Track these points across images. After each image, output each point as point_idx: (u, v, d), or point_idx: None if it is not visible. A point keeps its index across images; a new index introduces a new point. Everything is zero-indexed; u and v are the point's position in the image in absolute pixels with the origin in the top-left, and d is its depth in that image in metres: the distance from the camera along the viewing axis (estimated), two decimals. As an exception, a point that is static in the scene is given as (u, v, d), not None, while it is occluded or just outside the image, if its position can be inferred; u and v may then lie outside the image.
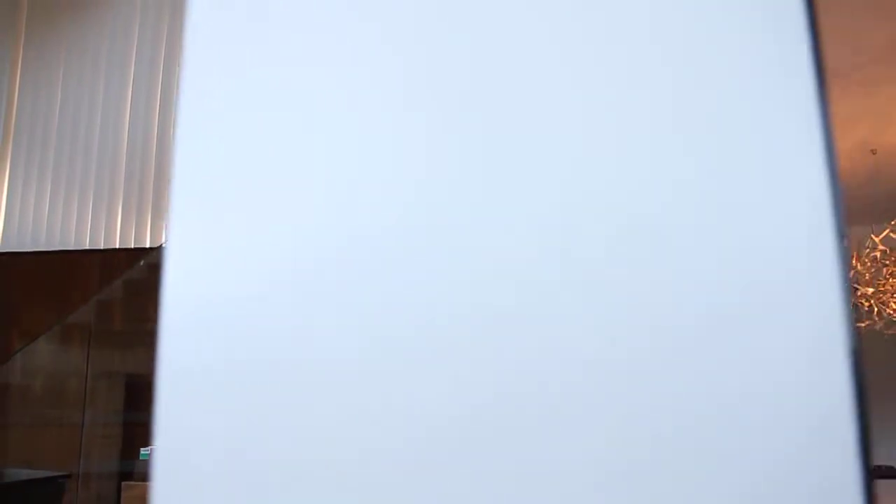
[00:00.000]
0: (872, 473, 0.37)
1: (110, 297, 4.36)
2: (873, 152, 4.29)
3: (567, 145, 0.41)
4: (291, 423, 0.39)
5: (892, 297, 4.01)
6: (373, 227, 0.42)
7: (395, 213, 0.42)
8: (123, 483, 2.43)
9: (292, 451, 0.39)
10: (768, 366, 0.38)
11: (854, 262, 4.10)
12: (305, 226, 0.42)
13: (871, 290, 4.03)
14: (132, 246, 5.03)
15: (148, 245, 5.03)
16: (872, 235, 3.86)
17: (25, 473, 3.28)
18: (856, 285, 4.08)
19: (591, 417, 0.39)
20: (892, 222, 3.93)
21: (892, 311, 3.97)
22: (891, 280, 3.95)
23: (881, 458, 5.46)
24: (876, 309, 4.11)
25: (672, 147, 0.40)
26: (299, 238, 0.42)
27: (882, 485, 4.17)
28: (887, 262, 3.86)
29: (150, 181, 5.17)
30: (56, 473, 3.28)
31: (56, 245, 5.04)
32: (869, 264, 4.06)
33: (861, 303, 4.14)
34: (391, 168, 0.43)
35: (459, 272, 0.41)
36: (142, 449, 4.38)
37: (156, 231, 5.14)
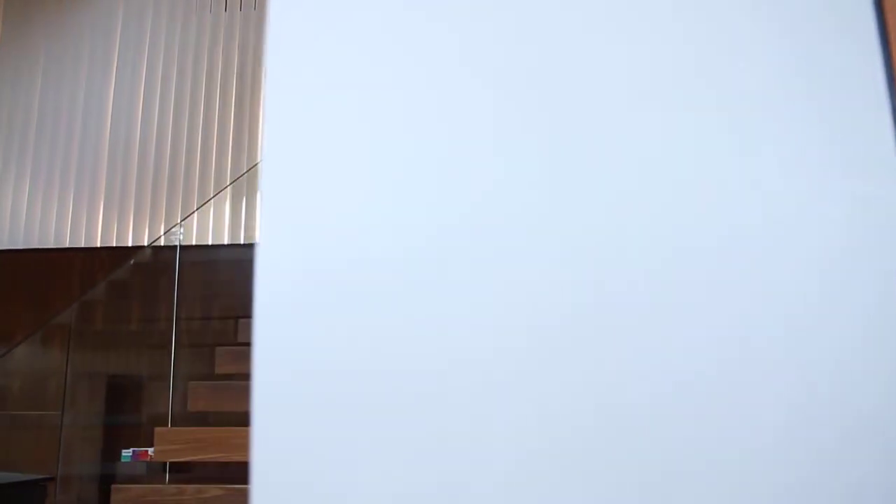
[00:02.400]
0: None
1: (92, 296, 4.29)
2: None
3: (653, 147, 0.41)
4: (401, 435, 0.38)
5: None
6: (483, 220, 0.41)
7: (501, 210, 0.41)
8: (113, 486, 2.38)
9: (402, 467, 0.38)
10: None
11: None
12: (405, 216, 0.41)
13: None
14: (114, 244, 4.94)
15: (130, 244, 4.95)
16: None
17: (2, 476, 3.21)
18: None
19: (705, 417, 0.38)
20: None
21: None
22: None
23: None
24: None
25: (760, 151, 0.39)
26: (403, 229, 0.41)
27: None
28: None
29: (133, 179, 5.09)
30: (37, 476, 3.21)
31: (35, 243, 4.94)
32: None
33: None
34: (498, 163, 0.42)
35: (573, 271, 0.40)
36: (123, 451, 4.30)
37: (138, 229, 5.06)
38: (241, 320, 3.52)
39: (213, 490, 2.38)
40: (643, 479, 0.37)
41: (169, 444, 2.63)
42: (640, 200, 0.41)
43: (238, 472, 3.27)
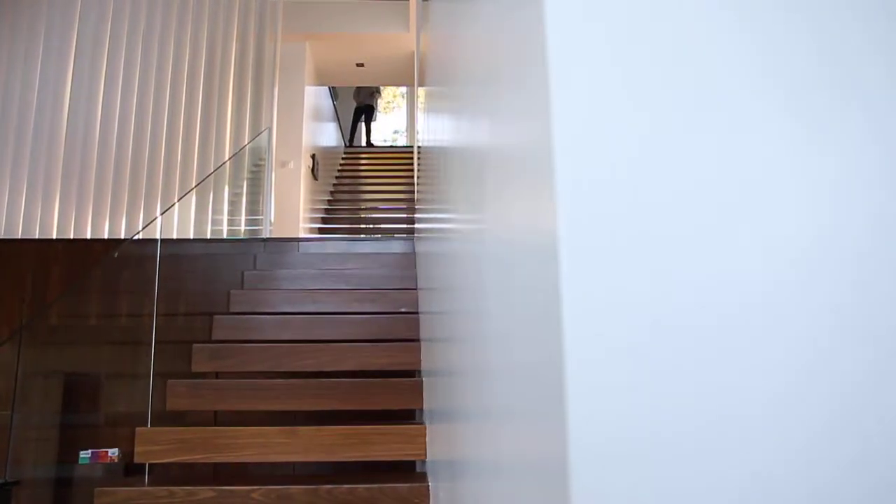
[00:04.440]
0: None
1: (46, 289, 4.07)
2: None
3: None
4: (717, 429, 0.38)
5: None
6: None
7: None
8: (97, 490, 2.26)
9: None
10: None
11: None
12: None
13: None
14: (71, 236, 4.71)
15: (89, 236, 4.72)
16: None
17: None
18: None
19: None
20: None
21: None
22: None
23: None
24: None
25: None
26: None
27: None
28: None
29: (93, 169, 4.85)
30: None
31: (-17, 233, 4.65)
32: None
33: None
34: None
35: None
36: (81, 452, 4.09)
37: (98, 221, 4.83)
38: (217, 317, 3.40)
39: (205, 492, 2.29)
40: None
41: (152, 445, 2.52)
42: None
43: (203, 472, 3.16)
